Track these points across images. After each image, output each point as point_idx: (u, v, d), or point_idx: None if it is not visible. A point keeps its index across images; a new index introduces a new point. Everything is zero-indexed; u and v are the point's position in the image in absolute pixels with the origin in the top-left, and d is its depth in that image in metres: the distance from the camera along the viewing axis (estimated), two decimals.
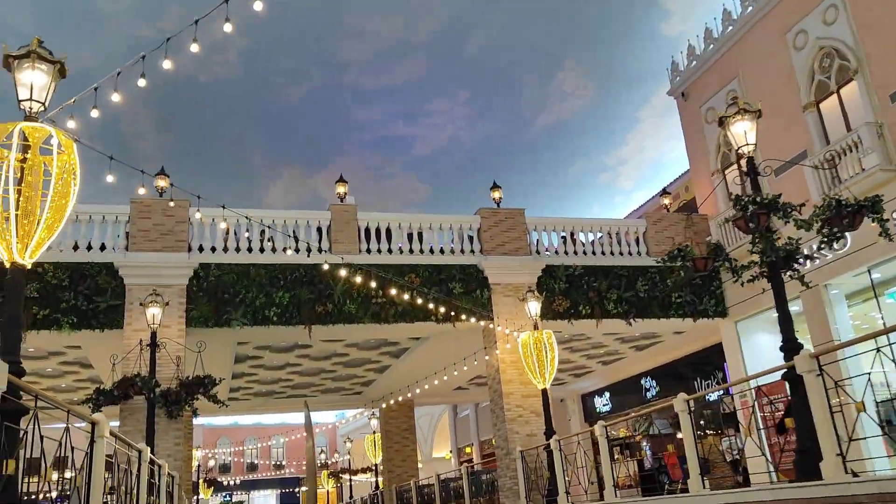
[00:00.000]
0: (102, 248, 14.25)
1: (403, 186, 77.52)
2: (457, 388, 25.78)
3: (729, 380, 18.51)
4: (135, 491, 8.43)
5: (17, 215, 5.80)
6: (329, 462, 50.26)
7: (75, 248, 14.13)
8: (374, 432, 31.47)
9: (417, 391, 22.35)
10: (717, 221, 17.57)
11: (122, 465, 7.94)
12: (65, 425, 6.06)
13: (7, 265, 5.88)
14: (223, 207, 11.69)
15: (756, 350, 17.24)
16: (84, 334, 13.76)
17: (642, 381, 24.45)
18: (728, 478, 12.07)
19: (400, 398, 23.85)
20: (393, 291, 15.39)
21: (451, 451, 42.63)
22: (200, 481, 40.07)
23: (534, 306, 15.26)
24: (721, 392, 17.76)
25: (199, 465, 39.13)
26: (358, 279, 15.23)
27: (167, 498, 11.77)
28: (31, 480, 5.47)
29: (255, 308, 14.56)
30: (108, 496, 7.63)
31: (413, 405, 26.35)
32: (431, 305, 15.61)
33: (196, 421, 46.57)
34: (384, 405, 25.53)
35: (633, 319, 17.02)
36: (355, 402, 25.60)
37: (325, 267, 14.25)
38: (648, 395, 24.01)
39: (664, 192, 19.52)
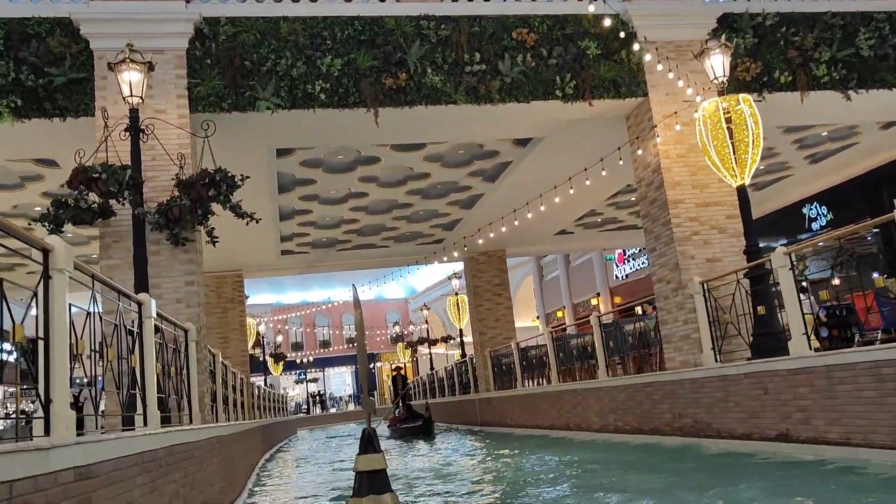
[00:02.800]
0: None
1: None
2: (559, 233, 20.75)
3: None
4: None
5: None
6: (404, 333, 46.97)
7: None
8: (456, 293, 27.18)
9: (510, 226, 17.25)
10: None
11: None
12: None
13: None
14: None
15: None
16: (38, 126, 9.04)
17: (805, 210, 18.91)
18: None
19: (490, 236, 18.38)
20: (496, 56, 10.20)
21: (537, 318, 38.59)
22: (268, 357, 37.16)
23: (718, 62, 9.75)
24: None
25: (263, 339, 36.04)
26: (442, 37, 10.06)
27: (175, 356, 7.31)
28: None
29: (292, 81, 9.54)
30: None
31: (505, 255, 21.60)
32: (556, 75, 10.34)
33: (261, 299, 43.68)
34: (470, 255, 20.84)
35: (854, 90, 11.35)
36: (435, 249, 20.77)
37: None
38: (814, 226, 18.52)
39: None
